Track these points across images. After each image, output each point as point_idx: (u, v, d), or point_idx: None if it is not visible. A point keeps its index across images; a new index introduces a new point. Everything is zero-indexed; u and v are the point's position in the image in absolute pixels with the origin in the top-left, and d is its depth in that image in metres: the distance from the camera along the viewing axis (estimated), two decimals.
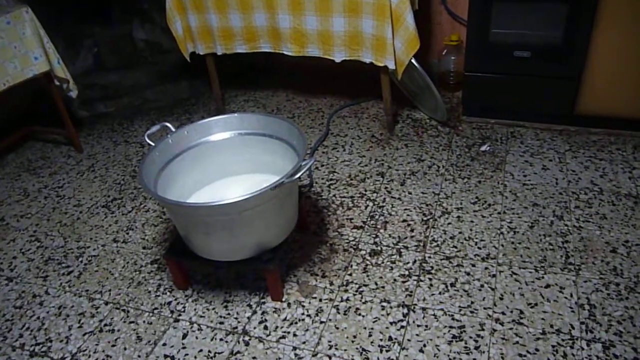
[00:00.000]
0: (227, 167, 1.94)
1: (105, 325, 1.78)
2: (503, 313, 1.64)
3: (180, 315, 1.78)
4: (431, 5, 2.87)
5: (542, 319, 1.61)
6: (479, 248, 1.89)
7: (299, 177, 1.58)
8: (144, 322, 1.77)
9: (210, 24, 2.62)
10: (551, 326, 1.58)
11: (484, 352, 1.53)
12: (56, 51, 2.47)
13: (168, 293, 1.87)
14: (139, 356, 1.66)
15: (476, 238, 1.94)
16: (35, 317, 1.85)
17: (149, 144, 1.80)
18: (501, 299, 1.69)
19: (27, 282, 2.01)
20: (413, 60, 2.35)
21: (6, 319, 1.86)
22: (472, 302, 1.69)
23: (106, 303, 1.87)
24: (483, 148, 2.44)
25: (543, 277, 1.74)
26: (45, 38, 2.42)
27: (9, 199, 2.51)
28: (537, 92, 2.47)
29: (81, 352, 1.69)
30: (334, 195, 2.24)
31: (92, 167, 2.68)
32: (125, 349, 1.69)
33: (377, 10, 2.27)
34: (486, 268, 1.80)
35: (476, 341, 1.56)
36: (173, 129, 1.86)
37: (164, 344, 1.68)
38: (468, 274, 1.79)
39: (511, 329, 1.59)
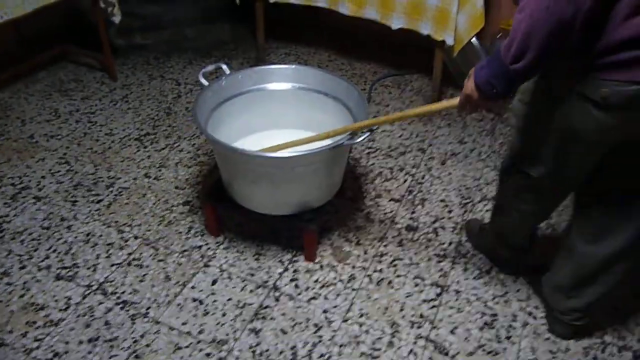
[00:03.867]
0: (276, 118, 1.89)
1: (134, 259, 1.76)
2: (537, 307, 1.62)
3: (210, 260, 1.76)
4: None
5: None
6: None
7: (357, 142, 1.53)
8: (173, 262, 1.75)
9: None
10: None
11: (514, 343, 1.53)
12: None
13: (199, 237, 1.84)
14: (166, 295, 1.64)
15: None
16: (63, 241, 1.82)
17: (202, 83, 1.74)
18: (536, 293, 1.67)
19: (55, 204, 1.97)
20: (474, 39, 2.28)
21: (32, 238, 1.83)
22: (506, 292, 1.67)
23: (135, 237, 1.84)
24: None
25: None
26: None
27: (39, 117, 2.45)
28: None
29: (108, 282, 1.68)
30: (373, 164, 2.20)
31: (126, 97, 2.61)
32: (153, 286, 1.67)
33: None
34: None
35: (508, 331, 1.56)
36: (227, 71, 1.80)
37: (193, 287, 1.67)
38: None
39: (544, 324, 1.58)
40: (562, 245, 1.47)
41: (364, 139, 1.52)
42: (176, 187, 2.06)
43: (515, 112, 1.35)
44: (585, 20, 0.99)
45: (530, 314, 1.61)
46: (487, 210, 1.99)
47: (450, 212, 1.98)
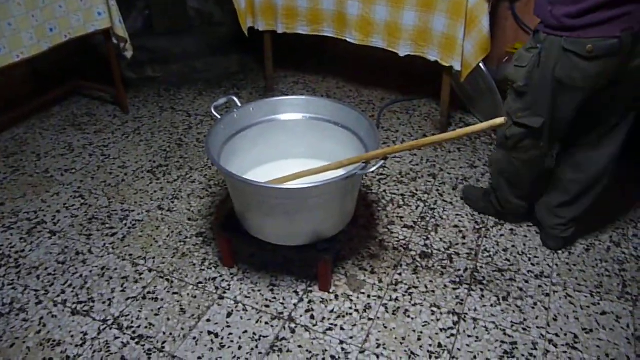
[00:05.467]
0: (287, 148, 1.90)
1: (149, 292, 1.76)
2: (557, 335, 1.60)
3: (225, 292, 1.76)
4: (498, 9, 2.80)
5: (597, 346, 1.57)
6: (533, 264, 1.85)
7: (371, 171, 1.54)
8: (188, 295, 1.75)
9: (275, 0, 2.57)
10: (607, 355, 1.54)
11: None
12: (118, 10, 2.43)
13: (213, 268, 1.85)
14: (182, 329, 1.64)
15: (530, 254, 1.90)
16: (78, 275, 1.83)
17: (214, 116, 1.76)
18: (555, 320, 1.65)
19: (70, 238, 1.99)
20: (481, 64, 2.30)
21: (48, 272, 1.84)
22: (524, 319, 1.65)
23: (150, 270, 1.85)
24: None
25: (599, 304, 1.70)
26: None
27: (54, 151, 2.49)
28: None
29: (124, 317, 1.68)
30: (384, 191, 2.20)
31: (138, 130, 2.65)
32: (168, 319, 1.67)
33: (451, 8, 2.21)
34: (540, 286, 1.77)
35: None
36: (239, 104, 1.82)
37: (208, 320, 1.66)
38: (521, 289, 1.76)
39: (565, 352, 1.55)
40: (553, 176, 1.84)
41: (377, 168, 1.53)
42: (189, 219, 2.07)
43: (512, 76, 1.65)
44: None
45: (550, 341, 1.58)
46: (501, 235, 1.97)
47: (464, 237, 1.97)
